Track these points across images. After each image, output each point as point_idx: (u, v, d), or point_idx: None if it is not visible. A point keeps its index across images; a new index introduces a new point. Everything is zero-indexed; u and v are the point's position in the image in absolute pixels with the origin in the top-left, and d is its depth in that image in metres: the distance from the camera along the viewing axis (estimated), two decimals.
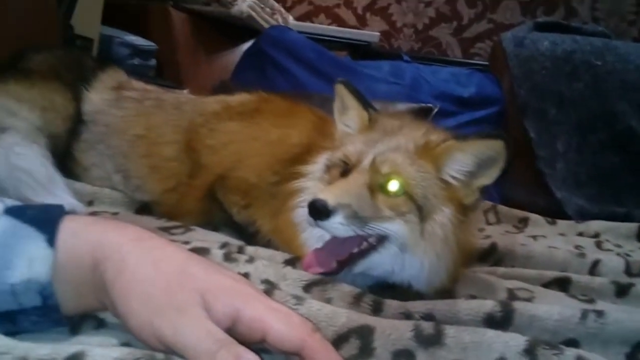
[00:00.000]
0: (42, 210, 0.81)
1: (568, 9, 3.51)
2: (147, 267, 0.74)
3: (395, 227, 1.18)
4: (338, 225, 1.12)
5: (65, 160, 1.69)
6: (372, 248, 1.20)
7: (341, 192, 1.14)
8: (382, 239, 1.19)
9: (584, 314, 1.05)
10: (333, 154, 1.29)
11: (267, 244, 1.40)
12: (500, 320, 1.06)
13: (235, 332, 0.74)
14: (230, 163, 1.53)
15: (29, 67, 1.79)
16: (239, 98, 1.76)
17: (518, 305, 1.08)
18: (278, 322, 0.74)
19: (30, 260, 0.74)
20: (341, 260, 1.18)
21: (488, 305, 1.08)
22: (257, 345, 0.75)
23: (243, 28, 3.53)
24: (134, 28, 3.17)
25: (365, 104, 1.34)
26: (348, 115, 1.36)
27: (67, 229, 0.77)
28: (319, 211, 1.11)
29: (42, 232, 0.76)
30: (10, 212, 0.78)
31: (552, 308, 1.07)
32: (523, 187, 2.71)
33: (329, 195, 1.12)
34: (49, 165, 1.52)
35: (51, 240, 0.75)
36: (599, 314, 1.05)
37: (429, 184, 1.20)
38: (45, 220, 0.78)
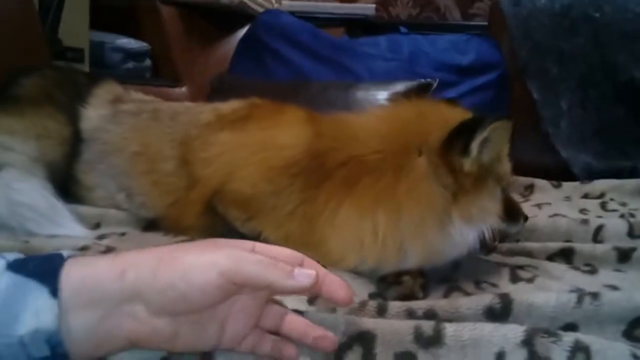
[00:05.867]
0: (43, 261, 0.81)
1: None
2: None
3: None
4: None
5: (67, 183, 1.70)
6: None
7: None
8: None
9: (580, 298, 1.07)
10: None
11: None
12: (500, 312, 1.08)
13: None
14: (223, 176, 1.50)
15: (18, 95, 1.78)
16: (231, 105, 1.73)
17: (516, 295, 1.11)
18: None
19: (36, 312, 0.75)
20: None
21: (487, 298, 1.11)
22: None
23: (236, 15, 3.43)
24: (123, 29, 3.13)
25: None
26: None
27: (74, 263, 0.79)
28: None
29: (45, 285, 0.76)
30: (12, 267, 0.78)
31: (549, 295, 1.09)
32: (530, 150, 2.67)
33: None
34: (50, 196, 1.52)
35: (54, 292, 0.76)
36: (594, 296, 1.07)
37: None
38: (46, 272, 0.78)
